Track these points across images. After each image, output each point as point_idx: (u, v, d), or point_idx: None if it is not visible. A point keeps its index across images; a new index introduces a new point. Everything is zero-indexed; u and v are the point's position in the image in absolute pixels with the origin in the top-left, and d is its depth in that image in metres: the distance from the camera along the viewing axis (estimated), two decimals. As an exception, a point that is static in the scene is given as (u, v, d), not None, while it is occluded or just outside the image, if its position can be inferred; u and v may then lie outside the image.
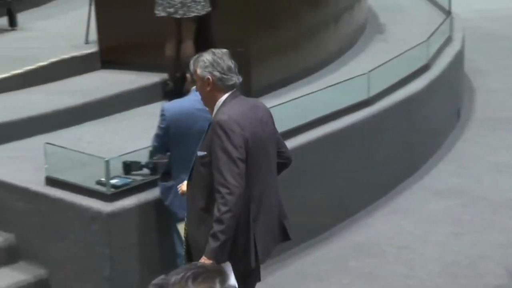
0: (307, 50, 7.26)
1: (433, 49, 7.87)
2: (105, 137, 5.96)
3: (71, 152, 5.15)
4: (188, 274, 1.81)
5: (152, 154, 5.00)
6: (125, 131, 6.10)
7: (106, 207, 4.86)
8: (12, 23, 8.00)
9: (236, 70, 3.83)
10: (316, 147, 6.08)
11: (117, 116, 6.42)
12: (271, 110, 5.75)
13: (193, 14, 6.46)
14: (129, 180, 5.06)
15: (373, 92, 6.74)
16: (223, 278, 1.83)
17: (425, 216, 6.48)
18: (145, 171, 5.11)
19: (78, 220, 4.90)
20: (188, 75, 4.85)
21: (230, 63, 3.82)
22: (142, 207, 5.00)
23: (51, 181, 5.06)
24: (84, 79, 6.90)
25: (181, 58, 6.58)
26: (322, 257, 5.85)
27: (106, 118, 6.34)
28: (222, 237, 3.60)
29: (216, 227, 3.60)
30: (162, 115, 4.79)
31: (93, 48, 7.17)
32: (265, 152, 3.80)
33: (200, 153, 3.79)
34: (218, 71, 3.76)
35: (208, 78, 3.78)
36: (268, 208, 3.85)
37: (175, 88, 6.68)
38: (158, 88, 6.76)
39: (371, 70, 6.75)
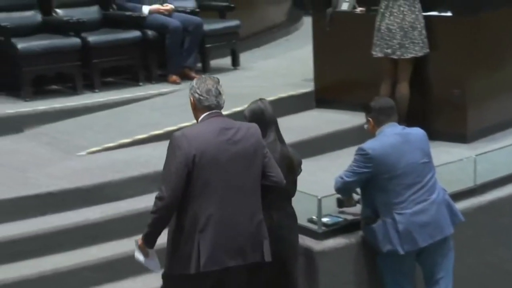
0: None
1: None
2: (318, 175, 6.05)
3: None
4: None
5: (341, 190, 5.00)
6: (338, 170, 6.14)
7: (316, 245, 4.94)
8: (235, 63, 8.41)
9: (217, 93, 4.13)
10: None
11: (331, 155, 6.51)
12: (486, 156, 5.63)
13: (411, 55, 6.45)
14: (340, 219, 5.11)
15: None
16: None
17: None
18: (358, 207, 5.13)
19: (288, 255, 5.01)
20: None
21: (211, 86, 4.13)
22: (352, 247, 5.02)
23: (265, 216, 5.22)
24: (299, 117, 7.09)
25: (396, 99, 6.57)
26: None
27: (320, 156, 6.45)
28: (148, 229, 4.11)
29: (148, 220, 4.10)
30: (366, 154, 4.81)
31: (308, 88, 7.36)
32: (224, 170, 4.01)
33: None
34: (197, 93, 4.12)
35: (191, 99, 4.17)
36: (224, 223, 4.02)
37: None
38: (372, 128, 6.79)
39: None
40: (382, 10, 6.53)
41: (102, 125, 6.69)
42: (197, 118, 4.18)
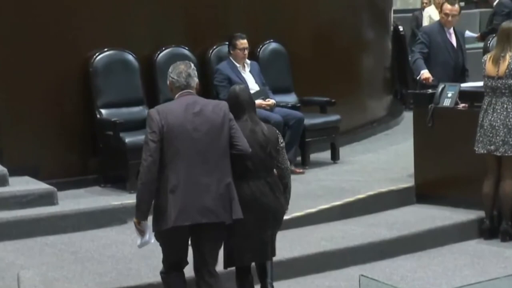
0: None
1: None
2: (418, 273, 5.96)
3: (385, 286, 5.20)
4: None
5: None
6: (438, 268, 6.04)
7: None
8: (335, 157, 8.43)
9: (187, 75, 4.73)
10: None
11: (431, 252, 6.40)
12: None
13: (515, 152, 6.35)
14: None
15: None
16: None
17: None
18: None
19: None
20: None
21: (181, 70, 4.75)
22: None
23: (363, 313, 5.14)
24: (399, 212, 7.02)
25: (500, 196, 6.46)
26: None
27: (420, 253, 6.34)
28: (136, 200, 4.68)
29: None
30: None
31: (409, 183, 7.30)
32: (191, 140, 4.61)
33: None
34: (171, 77, 4.78)
35: (168, 82, 4.81)
36: (191, 184, 4.60)
37: (492, 227, 6.54)
38: (474, 225, 6.66)
39: None
40: (485, 106, 6.48)
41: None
42: (173, 98, 4.85)
